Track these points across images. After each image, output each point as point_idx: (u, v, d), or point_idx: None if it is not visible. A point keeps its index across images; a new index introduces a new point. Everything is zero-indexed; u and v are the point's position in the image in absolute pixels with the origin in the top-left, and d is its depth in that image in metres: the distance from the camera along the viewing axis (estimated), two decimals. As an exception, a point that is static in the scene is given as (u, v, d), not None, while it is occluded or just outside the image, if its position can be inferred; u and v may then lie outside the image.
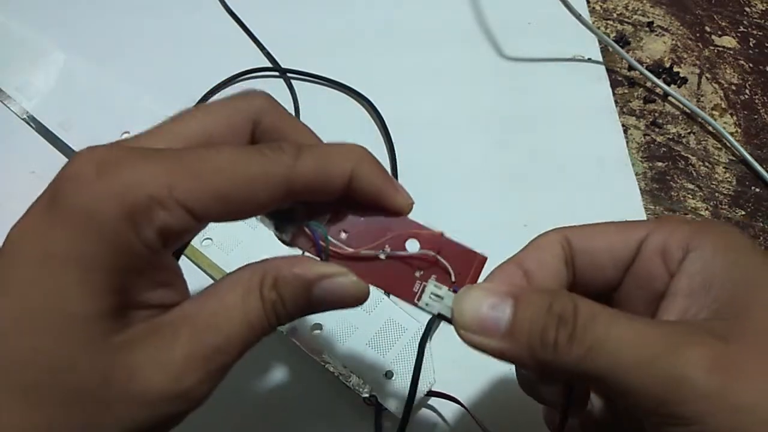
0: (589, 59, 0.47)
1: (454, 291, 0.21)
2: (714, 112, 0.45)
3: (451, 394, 0.31)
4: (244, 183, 0.19)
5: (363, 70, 0.45)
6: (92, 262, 0.17)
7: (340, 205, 0.22)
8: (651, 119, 0.45)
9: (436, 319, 0.22)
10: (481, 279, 0.22)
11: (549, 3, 0.45)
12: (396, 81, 0.44)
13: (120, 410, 0.17)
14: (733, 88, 0.47)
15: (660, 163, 0.43)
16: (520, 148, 0.42)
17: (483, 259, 0.22)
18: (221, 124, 0.21)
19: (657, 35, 0.49)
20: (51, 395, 0.17)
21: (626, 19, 0.50)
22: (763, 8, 0.51)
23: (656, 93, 0.46)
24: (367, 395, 0.31)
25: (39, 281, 0.17)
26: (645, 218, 0.39)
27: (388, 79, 0.44)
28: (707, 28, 0.50)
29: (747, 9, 0.51)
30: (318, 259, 0.21)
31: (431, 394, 0.32)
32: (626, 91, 0.46)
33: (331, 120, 0.41)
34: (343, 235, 0.22)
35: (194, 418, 0.18)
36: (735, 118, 0.45)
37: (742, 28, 0.50)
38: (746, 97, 0.46)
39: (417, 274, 0.22)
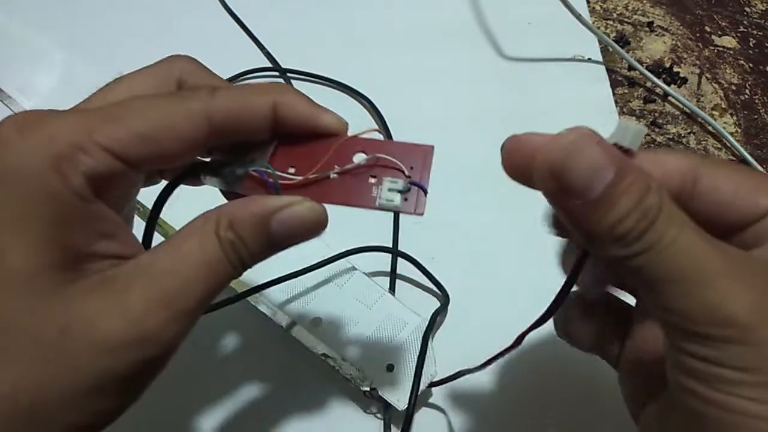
0: (589, 59, 0.47)
1: (411, 184, 0.21)
2: (714, 112, 0.45)
3: (451, 375, 0.30)
4: (162, 121, 0.19)
5: (363, 70, 0.45)
6: (26, 216, 0.17)
7: (277, 142, 0.22)
8: (651, 119, 0.45)
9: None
10: (432, 167, 0.22)
11: (549, 3, 0.45)
12: (396, 81, 0.44)
13: (84, 360, 0.17)
14: (733, 88, 0.47)
15: (660, 163, 0.43)
16: (520, 148, 0.42)
17: (429, 148, 0.22)
18: (146, 87, 0.21)
19: (657, 35, 0.49)
20: (10, 352, 0.17)
21: (626, 19, 0.50)
22: (763, 8, 0.51)
23: (656, 93, 0.46)
24: (367, 389, 0.31)
25: None
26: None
27: (388, 79, 0.44)
28: (707, 28, 0.50)
29: (747, 9, 0.51)
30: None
31: (432, 385, 0.32)
32: (626, 91, 0.46)
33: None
34: (292, 170, 0.22)
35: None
36: (735, 118, 0.45)
37: (742, 28, 0.50)
38: (746, 97, 0.46)
39: (371, 180, 0.22)
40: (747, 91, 0.47)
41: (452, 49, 0.47)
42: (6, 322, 0.17)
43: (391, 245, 0.37)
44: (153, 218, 0.23)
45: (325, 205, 0.21)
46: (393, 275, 0.36)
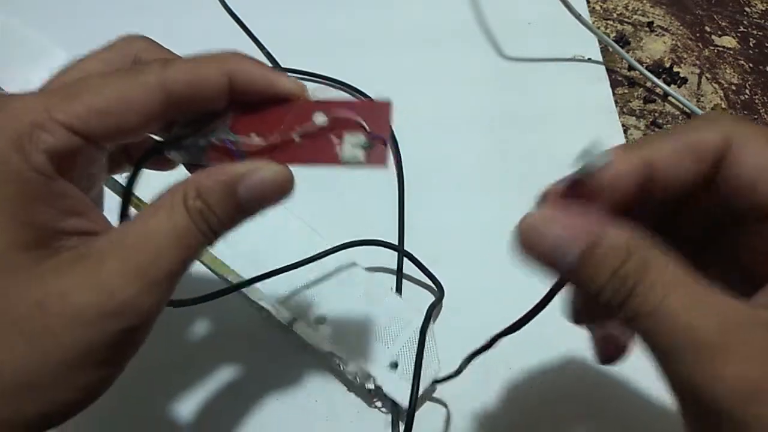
0: (589, 59, 0.47)
1: (373, 138, 0.22)
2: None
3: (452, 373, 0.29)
4: (118, 95, 0.19)
5: (362, 70, 0.45)
6: None
7: (238, 110, 0.22)
8: (651, 119, 0.45)
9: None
10: (394, 122, 0.22)
11: (549, 3, 0.45)
12: (396, 81, 0.44)
13: (63, 335, 0.18)
14: (733, 88, 0.47)
15: (660, 163, 0.43)
16: (520, 148, 0.42)
17: (386, 104, 0.22)
18: (102, 67, 0.21)
19: (657, 35, 0.49)
20: None
21: (626, 19, 0.50)
22: (763, 8, 0.51)
23: (656, 93, 0.46)
24: (372, 387, 0.31)
25: None
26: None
27: (387, 79, 0.44)
28: (707, 28, 0.50)
29: (747, 9, 0.51)
30: None
31: (437, 382, 0.32)
32: (626, 91, 0.46)
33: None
34: (255, 137, 0.22)
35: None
36: (735, 118, 0.45)
37: (742, 28, 0.50)
38: (746, 97, 0.46)
39: (334, 139, 0.22)
40: (747, 91, 0.47)
41: (452, 49, 0.47)
42: None
43: (387, 241, 0.37)
44: (126, 199, 0.23)
45: (294, 171, 0.21)
46: (399, 275, 0.36)
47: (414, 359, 0.32)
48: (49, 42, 0.44)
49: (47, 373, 0.18)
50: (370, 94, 0.43)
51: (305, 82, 0.23)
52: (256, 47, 0.46)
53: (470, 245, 0.38)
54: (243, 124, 0.22)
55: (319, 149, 0.22)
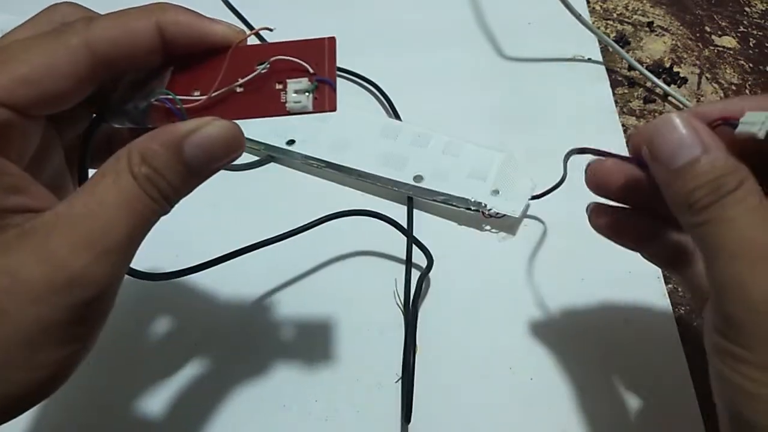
0: (589, 59, 0.47)
1: (318, 81, 0.20)
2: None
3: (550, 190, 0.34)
4: (42, 60, 0.19)
5: (363, 69, 0.45)
6: None
7: (175, 66, 0.21)
8: (651, 119, 0.45)
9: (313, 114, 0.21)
10: (337, 58, 0.21)
11: (549, 3, 0.45)
12: (396, 81, 0.44)
13: (14, 312, 0.17)
14: (733, 88, 0.47)
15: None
16: (519, 148, 0.42)
17: (331, 40, 0.21)
18: (28, 35, 0.20)
19: (657, 35, 0.49)
20: None
21: (626, 19, 0.50)
22: (763, 8, 0.51)
23: (656, 93, 0.46)
24: (486, 210, 0.37)
25: None
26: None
27: (387, 79, 0.44)
28: (707, 28, 0.50)
29: (747, 9, 0.51)
30: None
31: (534, 198, 0.37)
32: (626, 91, 0.46)
33: (339, 110, 0.41)
34: (197, 93, 0.21)
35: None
36: (735, 118, 0.45)
37: (742, 28, 0.50)
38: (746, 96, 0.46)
39: (278, 87, 0.21)
40: (747, 91, 0.47)
41: (452, 49, 0.47)
42: None
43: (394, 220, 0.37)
44: (81, 174, 0.23)
45: (243, 123, 0.21)
46: (408, 261, 0.36)
47: (508, 186, 0.38)
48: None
49: (5, 354, 0.17)
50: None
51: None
52: (257, 41, 0.46)
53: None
54: (183, 80, 0.21)
55: (264, 101, 0.21)
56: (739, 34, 0.50)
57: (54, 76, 0.19)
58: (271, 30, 0.22)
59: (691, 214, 0.20)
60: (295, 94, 0.20)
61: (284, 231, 0.33)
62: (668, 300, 0.35)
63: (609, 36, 0.48)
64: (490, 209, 0.37)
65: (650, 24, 0.50)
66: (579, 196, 0.28)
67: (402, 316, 0.35)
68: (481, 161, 0.39)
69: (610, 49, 0.46)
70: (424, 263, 0.36)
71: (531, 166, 0.41)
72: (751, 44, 0.49)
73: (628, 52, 0.47)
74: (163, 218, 0.20)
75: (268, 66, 0.21)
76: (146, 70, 0.21)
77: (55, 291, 0.17)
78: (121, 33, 0.20)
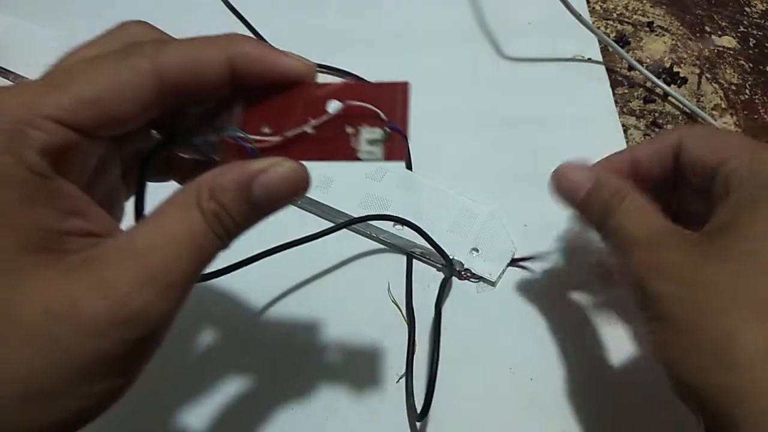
0: (589, 59, 0.47)
1: (391, 129, 0.20)
2: (714, 112, 0.46)
3: (531, 257, 0.36)
4: (108, 82, 0.18)
5: (362, 70, 0.45)
6: None
7: (245, 100, 0.21)
8: (651, 119, 0.45)
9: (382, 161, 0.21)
10: (410, 104, 0.21)
11: (549, 3, 0.45)
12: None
13: (71, 343, 0.17)
14: (733, 88, 0.47)
15: (660, 163, 0.43)
16: (520, 148, 0.42)
17: (405, 85, 0.21)
18: (96, 54, 0.20)
19: (657, 35, 0.49)
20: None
21: (626, 19, 0.50)
22: (763, 8, 0.51)
23: (656, 93, 0.46)
24: (461, 269, 0.36)
25: None
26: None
27: (387, 78, 0.44)
28: (707, 28, 0.50)
29: (747, 9, 0.51)
30: None
31: (515, 261, 0.36)
32: (626, 91, 0.46)
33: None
34: (266, 129, 0.21)
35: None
36: (735, 118, 0.45)
37: (742, 28, 0.50)
38: (746, 97, 0.46)
39: (349, 130, 0.20)
40: (747, 91, 0.47)
41: (452, 49, 0.47)
42: None
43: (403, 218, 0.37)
44: (140, 197, 0.23)
45: (308, 164, 0.20)
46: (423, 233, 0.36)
47: (489, 244, 0.37)
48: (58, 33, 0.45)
49: (53, 382, 0.17)
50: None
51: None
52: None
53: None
54: (253, 116, 0.21)
55: (335, 145, 0.20)
56: (739, 34, 0.50)
57: (119, 99, 0.18)
58: (347, 72, 0.22)
59: (597, 226, 0.27)
60: (368, 144, 0.20)
61: (287, 241, 0.34)
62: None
63: (609, 36, 0.48)
64: (467, 270, 0.36)
65: (650, 24, 0.50)
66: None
67: (401, 317, 0.35)
68: (465, 215, 0.38)
69: (610, 49, 0.46)
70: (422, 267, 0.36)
71: (531, 166, 0.41)
72: (751, 44, 0.49)
73: (628, 52, 0.47)
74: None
75: (341, 108, 0.20)
76: (215, 101, 0.21)
77: (114, 326, 0.17)
78: (191, 61, 0.19)
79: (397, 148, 0.20)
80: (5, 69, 0.43)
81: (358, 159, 0.20)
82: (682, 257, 0.23)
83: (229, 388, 0.33)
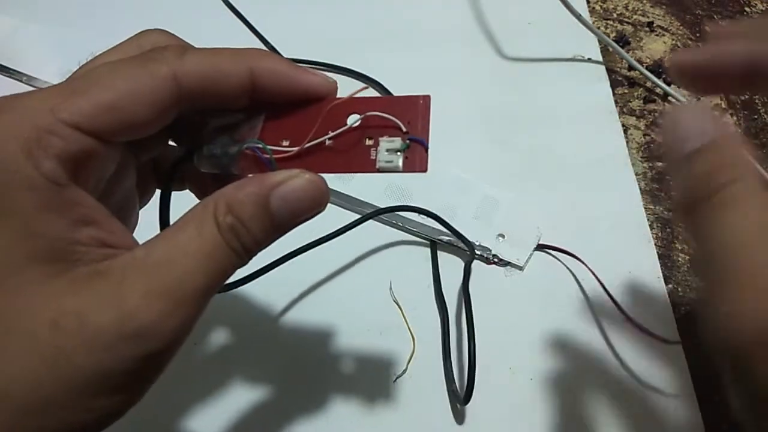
0: (589, 59, 0.47)
1: (411, 140, 0.20)
2: (714, 112, 0.45)
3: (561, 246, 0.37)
4: (127, 87, 0.18)
5: (362, 70, 0.45)
6: (2, 208, 0.16)
7: (266, 113, 0.21)
8: (651, 119, 0.45)
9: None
10: (431, 118, 0.20)
11: (549, 3, 0.45)
12: (395, 81, 0.44)
13: (78, 357, 0.16)
14: (733, 88, 0.47)
15: (660, 163, 0.43)
16: (520, 148, 0.42)
17: (427, 98, 0.20)
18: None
19: (657, 35, 0.49)
20: (2, 348, 0.16)
21: (626, 19, 0.50)
22: (763, 8, 0.51)
23: (656, 93, 0.46)
24: (490, 255, 0.36)
25: None
26: (645, 219, 0.39)
27: (387, 79, 0.44)
28: (707, 28, 0.50)
29: (747, 9, 0.51)
30: None
31: (542, 247, 0.37)
32: (626, 91, 0.46)
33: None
34: (286, 142, 0.21)
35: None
36: (735, 118, 0.45)
37: (742, 28, 0.50)
38: (746, 97, 0.46)
39: (368, 142, 0.20)
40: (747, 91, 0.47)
41: (452, 49, 0.47)
42: None
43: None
44: (164, 209, 0.23)
45: (328, 175, 0.20)
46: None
47: (515, 229, 0.37)
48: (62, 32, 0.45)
49: (59, 395, 0.16)
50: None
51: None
52: (258, 41, 0.46)
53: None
54: (273, 128, 0.21)
55: (353, 156, 0.20)
56: (739, 34, 0.50)
57: (138, 105, 0.18)
58: (366, 87, 0.21)
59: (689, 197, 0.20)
60: (386, 153, 0.20)
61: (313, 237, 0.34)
62: (668, 300, 0.35)
63: (609, 36, 0.48)
64: (494, 255, 0.37)
65: (650, 24, 0.50)
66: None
67: (399, 315, 0.35)
68: (488, 202, 0.39)
69: (610, 49, 0.46)
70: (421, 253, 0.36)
71: (531, 166, 0.41)
72: (751, 44, 0.49)
73: (628, 52, 0.47)
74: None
75: (360, 121, 0.20)
76: (235, 114, 0.21)
77: (123, 340, 0.17)
78: (212, 71, 0.19)
79: (418, 159, 0.20)
80: (12, 69, 0.43)
81: (377, 170, 0.20)
82: None
83: (227, 390, 0.33)
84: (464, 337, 0.33)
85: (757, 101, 0.46)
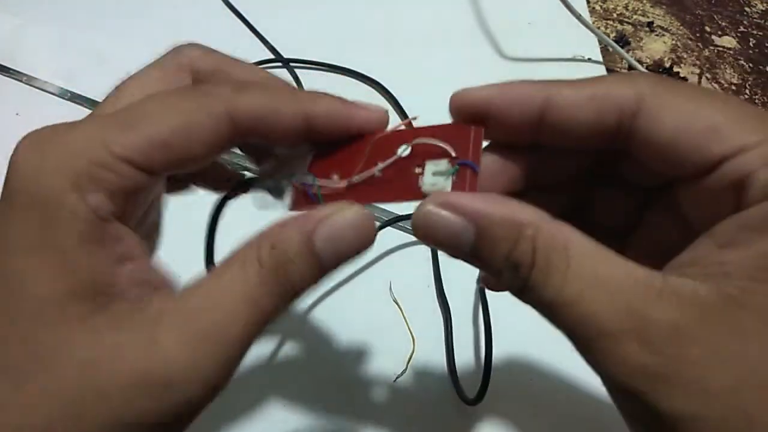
0: (589, 59, 0.47)
1: (460, 165, 0.18)
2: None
3: None
4: (181, 123, 0.18)
5: (362, 70, 0.45)
6: (46, 241, 0.16)
7: (314, 146, 0.21)
8: (651, 119, 0.45)
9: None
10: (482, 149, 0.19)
11: (549, 3, 0.45)
12: (395, 81, 0.44)
13: (114, 398, 0.16)
14: (733, 88, 0.47)
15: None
16: (520, 148, 0.42)
17: (478, 130, 0.19)
18: (159, 83, 0.20)
19: (657, 35, 0.49)
20: (39, 383, 0.16)
21: (626, 19, 0.50)
22: (763, 8, 0.51)
23: (656, 93, 0.46)
24: None
25: None
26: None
27: (387, 79, 0.44)
28: (707, 28, 0.50)
29: (747, 9, 0.51)
30: None
31: None
32: (626, 91, 0.46)
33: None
34: (337, 176, 0.20)
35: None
36: (735, 118, 0.45)
37: (742, 28, 0.50)
38: (746, 97, 0.46)
39: (417, 170, 0.19)
40: (747, 91, 0.47)
41: (452, 49, 0.47)
42: (33, 353, 0.16)
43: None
44: (211, 240, 0.23)
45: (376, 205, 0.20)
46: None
47: None
48: (62, 32, 0.45)
49: None
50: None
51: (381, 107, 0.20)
52: (256, 39, 0.46)
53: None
54: (323, 162, 0.20)
55: (401, 184, 0.19)
56: (739, 34, 0.50)
57: (192, 141, 0.18)
58: (414, 118, 0.21)
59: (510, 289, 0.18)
60: (432, 176, 0.19)
61: None
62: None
63: (609, 36, 0.48)
64: None
65: (650, 24, 0.50)
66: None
67: (400, 315, 0.35)
68: None
69: (610, 49, 0.46)
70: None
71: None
72: (751, 44, 0.49)
73: (628, 52, 0.47)
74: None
75: (409, 149, 0.19)
76: (289, 148, 0.21)
77: (159, 385, 0.16)
78: (268, 113, 0.19)
79: (467, 181, 0.18)
80: (12, 69, 0.43)
81: (423, 195, 0.18)
82: (702, 341, 0.15)
83: (236, 387, 0.33)
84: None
85: (757, 101, 0.46)
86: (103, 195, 0.17)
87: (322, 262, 0.18)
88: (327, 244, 0.17)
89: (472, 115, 0.19)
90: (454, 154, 0.18)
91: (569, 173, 0.21)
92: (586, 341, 0.16)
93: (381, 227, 0.35)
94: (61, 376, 0.16)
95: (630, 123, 0.17)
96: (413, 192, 0.19)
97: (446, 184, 0.18)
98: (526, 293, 0.17)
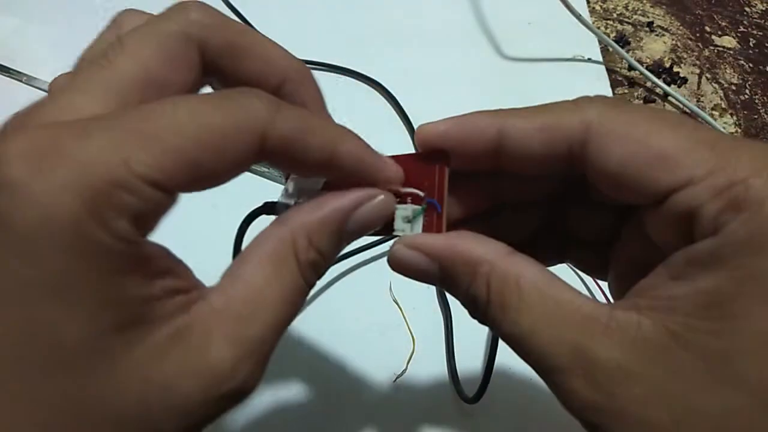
0: (589, 59, 0.47)
1: (428, 203, 0.20)
2: (714, 112, 0.46)
3: None
4: (215, 141, 0.16)
5: (362, 70, 0.45)
6: (68, 279, 0.14)
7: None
8: (651, 119, 0.45)
9: None
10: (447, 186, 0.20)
11: (549, 3, 0.45)
12: (395, 81, 0.44)
13: (166, 427, 0.16)
14: (733, 88, 0.47)
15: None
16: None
17: (443, 169, 0.20)
18: (158, 57, 0.17)
19: (657, 35, 0.49)
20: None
21: (626, 19, 0.50)
22: (763, 8, 0.51)
23: (656, 93, 0.46)
24: None
25: (9, 325, 0.14)
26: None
27: (387, 79, 0.44)
28: (707, 28, 0.50)
29: (747, 9, 0.51)
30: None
31: None
32: (626, 91, 0.46)
33: (339, 106, 0.41)
34: None
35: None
36: (735, 118, 0.45)
37: (742, 28, 0.50)
38: (746, 97, 0.46)
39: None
40: (747, 91, 0.47)
41: (452, 49, 0.47)
42: (80, 403, 0.15)
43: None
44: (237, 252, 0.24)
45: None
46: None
47: None
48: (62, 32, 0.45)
49: None
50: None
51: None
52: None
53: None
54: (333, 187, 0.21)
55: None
56: (739, 34, 0.50)
57: (221, 161, 0.16)
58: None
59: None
60: (401, 222, 0.20)
61: None
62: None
63: (609, 36, 0.48)
64: None
65: (650, 24, 0.50)
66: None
67: (400, 315, 0.35)
68: None
69: (610, 49, 0.46)
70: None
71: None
72: (751, 44, 0.49)
73: (628, 52, 0.47)
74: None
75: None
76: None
77: (209, 403, 0.16)
78: (298, 140, 0.17)
79: (434, 223, 0.20)
80: (12, 69, 0.43)
81: (395, 236, 0.20)
82: (644, 379, 0.16)
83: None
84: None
85: (756, 101, 0.46)
86: (128, 219, 0.15)
87: (345, 242, 0.19)
88: (355, 226, 0.19)
89: (436, 149, 0.20)
90: (422, 195, 0.20)
91: (541, 192, 0.22)
92: (542, 374, 0.17)
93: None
94: (113, 416, 0.15)
95: (581, 151, 0.18)
96: (388, 232, 0.20)
97: (416, 226, 0.20)
98: (488, 325, 0.18)
